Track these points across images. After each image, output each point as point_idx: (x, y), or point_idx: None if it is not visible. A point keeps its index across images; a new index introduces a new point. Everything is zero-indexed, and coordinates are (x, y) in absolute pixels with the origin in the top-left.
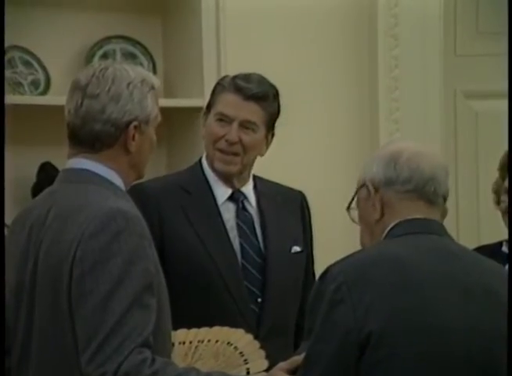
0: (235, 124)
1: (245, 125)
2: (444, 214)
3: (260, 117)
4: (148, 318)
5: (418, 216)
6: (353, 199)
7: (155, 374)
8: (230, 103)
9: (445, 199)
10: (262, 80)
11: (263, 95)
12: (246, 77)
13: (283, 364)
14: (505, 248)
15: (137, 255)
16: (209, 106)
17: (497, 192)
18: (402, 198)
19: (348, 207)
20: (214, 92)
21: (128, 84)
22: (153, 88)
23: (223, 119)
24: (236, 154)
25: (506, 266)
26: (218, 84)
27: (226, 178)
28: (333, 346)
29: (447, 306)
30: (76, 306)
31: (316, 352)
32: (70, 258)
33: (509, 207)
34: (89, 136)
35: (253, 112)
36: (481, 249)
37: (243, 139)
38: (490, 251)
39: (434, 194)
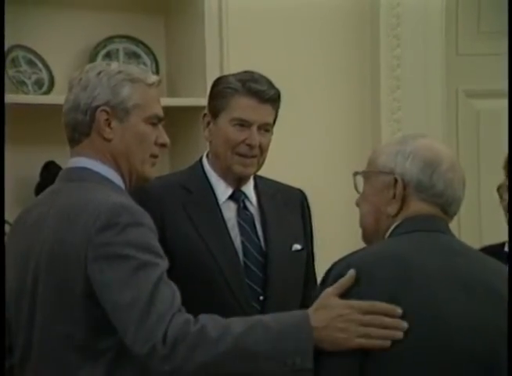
0: (254, 129)
1: (263, 128)
2: None
3: (273, 117)
4: (174, 291)
5: (428, 211)
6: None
7: (203, 329)
8: (247, 108)
9: None
10: (267, 80)
11: (276, 97)
12: (255, 79)
13: (330, 290)
14: (508, 249)
15: (148, 243)
16: (216, 109)
17: (499, 189)
18: (425, 205)
19: (356, 173)
20: (221, 96)
21: (99, 72)
22: (139, 80)
23: (242, 124)
24: (255, 157)
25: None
26: (224, 87)
27: (240, 179)
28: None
29: (449, 303)
30: (102, 296)
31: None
32: (81, 261)
33: (509, 207)
34: (69, 128)
35: (269, 114)
36: (484, 250)
37: (262, 141)
38: (492, 251)
39: (454, 212)
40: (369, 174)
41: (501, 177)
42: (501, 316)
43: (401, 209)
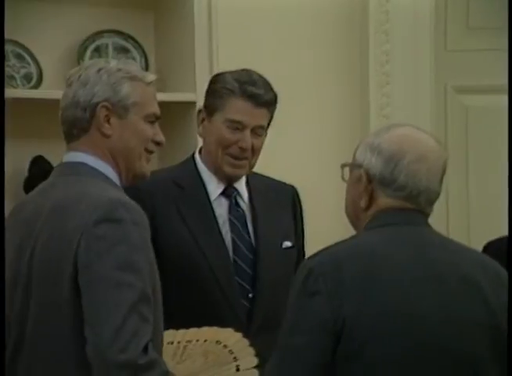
0: (248, 131)
1: (256, 131)
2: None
3: (267, 121)
4: (151, 309)
5: (396, 205)
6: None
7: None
8: (242, 110)
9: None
10: (265, 82)
11: (273, 101)
12: (253, 82)
13: None
14: None
15: (141, 244)
16: (212, 108)
17: None
18: (390, 200)
19: (344, 165)
20: (218, 95)
21: (99, 69)
22: (137, 78)
23: (235, 125)
24: (246, 158)
25: None
26: (222, 87)
27: (230, 179)
28: (311, 337)
29: (420, 295)
30: (86, 293)
31: (292, 345)
32: (73, 248)
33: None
34: (66, 123)
35: (263, 117)
36: (498, 241)
37: (254, 143)
38: (507, 242)
39: (426, 203)
40: (348, 166)
41: (491, 171)
42: (477, 307)
43: (371, 203)
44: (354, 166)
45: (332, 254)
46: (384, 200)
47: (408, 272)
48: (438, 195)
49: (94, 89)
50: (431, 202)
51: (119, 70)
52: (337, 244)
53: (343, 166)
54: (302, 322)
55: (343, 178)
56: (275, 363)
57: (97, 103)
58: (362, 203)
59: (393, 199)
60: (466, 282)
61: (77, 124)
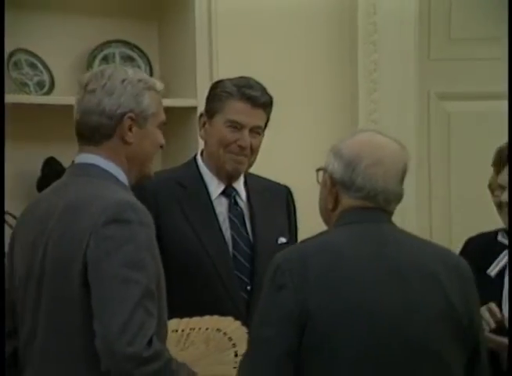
0: (246, 131)
1: (254, 130)
2: (400, 200)
3: (264, 121)
4: (155, 304)
5: (357, 204)
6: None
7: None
8: (241, 111)
9: (399, 200)
10: (262, 86)
11: (269, 103)
12: (250, 86)
13: None
14: (501, 238)
15: (147, 243)
16: (212, 111)
17: (490, 186)
18: (352, 200)
19: (318, 169)
20: (218, 99)
21: (123, 80)
22: (152, 88)
23: (234, 126)
24: (245, 156)
25: (501, 255)
26: (221, 91)
27: (232, 177)
28: (278, 328)
29: (381, 290)
30: (95, 289)
31: (261, 336)
32: (83, 246)
33: (509, 206)
34: (89, 128)
35: (260, 118)
36: (479, 237)
37: (253, 142)
38: (487, 239)
39: (385, 202)
40: (321, 170)
41: (471, 173)
42: (437, 299)
43: (336, 204)
44: (323, 170)
45: (299, 250)
46: (346, 201)
47: (369, 267)
48: (397, 195)
49: (120, 100)
50: (390, 201)
51: (139, 80)
52: (304, 241)
53: (317, 170)
54: (270, 314)
55: (318, 181)
56: (247, 354)
57: (123, 114)
58: (329, 204)
59: (354, 199)
60: (425, 275)
61: (102, 130)
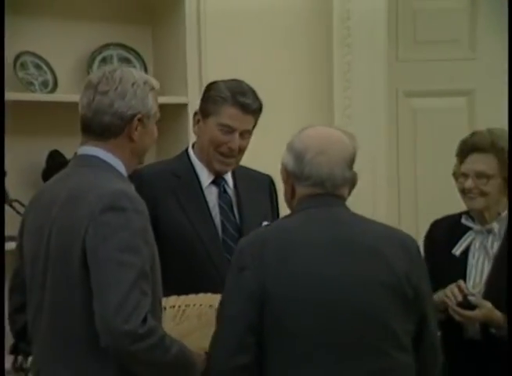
0: (236, 134)
1: (243, 134)
2: (353, 183)
3: (252, 125)
4: (149, 284)
5: (308, 192)
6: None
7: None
8: (233, 116)
9: (352, 182)
10: (253, 92)
11: (258, 109)
12: (243, 92)
13: None
14: (464, 220)
15: (141, 228)
16: (207, 112)
17: (455, 174)
18: (303, 189)
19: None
20: (212, 101)
21: (133, 84)
22: (153, 88)
23: (226, 129)
24: (234, 157)
25: (465, 236)
26: (216, 94)
27: (219, 174)
28: (241, 307)
29: (330, 265)
30: (93, 272)
31: (227, 313)
32: (81, 234)
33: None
34: (99, 126)
35: (250, 122)
36: (444, 219)
37: (241, 144)
38: (452, 221)
39: (333, 187)
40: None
41: (436, 164)
42: (382, 272)
43: (293, 193)
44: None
45: (260, 234)
46: (300, 190)
47: (320, 245)
48: (346, 179)
49: (131, 102)
50: (338, 186)
51: (145, 83)
52: (267, 226)
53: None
54: (234, 294)
55: (281, 173)
56: (215, 331)
57: (133, 115)
58: (287, 194)
59: (305, 187)
60: (371, 250)
61: (112, 129)
